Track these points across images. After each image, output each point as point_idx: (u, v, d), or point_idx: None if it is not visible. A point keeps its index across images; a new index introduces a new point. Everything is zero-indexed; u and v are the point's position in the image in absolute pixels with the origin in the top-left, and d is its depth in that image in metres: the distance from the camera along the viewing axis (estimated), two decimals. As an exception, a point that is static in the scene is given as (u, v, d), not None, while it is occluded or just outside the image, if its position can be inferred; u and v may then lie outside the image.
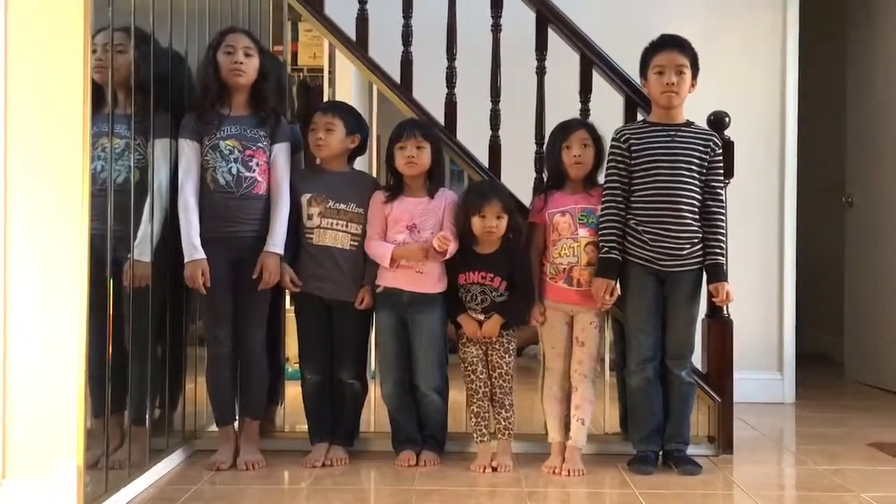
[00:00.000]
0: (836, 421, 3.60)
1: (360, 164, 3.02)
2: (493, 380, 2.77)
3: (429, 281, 2.75)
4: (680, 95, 2.74)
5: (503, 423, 2.76)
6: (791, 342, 3.99)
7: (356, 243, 2.80)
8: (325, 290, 2.81)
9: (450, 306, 2.79)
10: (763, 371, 3.94)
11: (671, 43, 2.76)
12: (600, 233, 2.74)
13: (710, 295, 2.83)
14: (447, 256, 2.72)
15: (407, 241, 2.75)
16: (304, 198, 2.79)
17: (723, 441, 2.93)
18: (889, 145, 4.26)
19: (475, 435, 2.78)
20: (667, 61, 2.73)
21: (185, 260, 2.65)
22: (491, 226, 2.71)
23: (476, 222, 2.73)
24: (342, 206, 2.80)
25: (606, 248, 2.72)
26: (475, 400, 2.77)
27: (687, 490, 2.56)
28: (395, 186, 2.82)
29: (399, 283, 2.76)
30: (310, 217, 2.79)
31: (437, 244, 2.68)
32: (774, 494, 2.67)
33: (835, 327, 4.87)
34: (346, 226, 2.79)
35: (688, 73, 2.74)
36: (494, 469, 2.70)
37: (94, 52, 2.22)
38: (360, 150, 2.91)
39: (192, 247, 2.65)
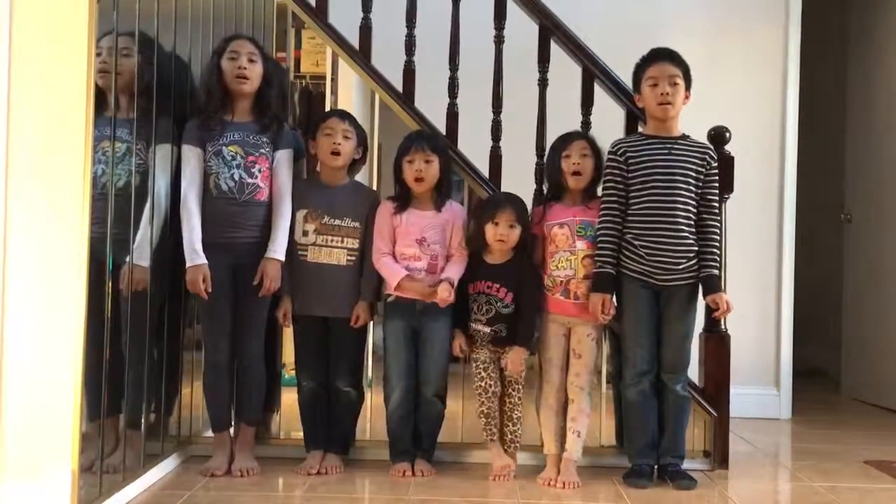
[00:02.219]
0: (832, 438, 3.60)
1: (361, 174, 3.02)
2: (505, 387, 2.77)
3: None
4: (675, 106, 2.74)
5: (509, 435, 2.77)
6: (788, 358, 3.99)
7: (352, 258, 2.80)
8: (320, 309, 2.80)
9: (457, 315, 2.79)
10: (759, 386, 3.94)
11: (662, 55, 2.77)
12: (596, 247, 2.75)
13: (708, 309, 2.84)
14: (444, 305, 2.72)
15: (417, 256, 2.75)
16: (301, 213, 2.79)
17: (718, 456, 2.93)
18: (889, 162, 4.28)
19: (485, 433, 2.76)
20: (659, 73, 2.74)
21: (187, 265, 2.65)
22: (503, 233, 2.72)
23: (489, 229, 2.74)
24: (338, 222, 2.79)
25: (600, 263, 2.73)
26: (484, 399, 2.75)
27: (681, 504, 2.56)
28: (403, 198, 2.81)
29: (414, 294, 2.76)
30: (305, 233, 2.79)
31: (440, 299, 2.69)
32: (769, 510, 2.69)
33: (832, 344, 4.87)
34: (343, 241, 2.79)
35: (681, 83, 2.74)
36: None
37: (98, 55, 2.23)
38: (363, 160, 2.92)
39: (194, 252, 2.65)
